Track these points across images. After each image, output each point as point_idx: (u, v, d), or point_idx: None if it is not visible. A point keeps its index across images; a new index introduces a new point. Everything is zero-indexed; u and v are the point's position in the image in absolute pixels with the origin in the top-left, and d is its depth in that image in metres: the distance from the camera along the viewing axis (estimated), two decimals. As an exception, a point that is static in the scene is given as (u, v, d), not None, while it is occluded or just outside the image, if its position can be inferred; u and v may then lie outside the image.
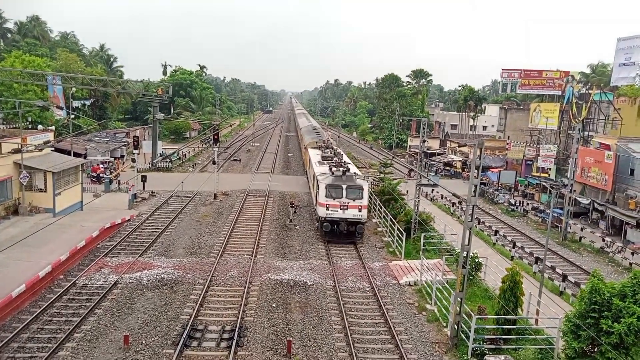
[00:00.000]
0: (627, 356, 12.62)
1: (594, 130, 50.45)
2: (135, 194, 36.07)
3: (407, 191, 38.35)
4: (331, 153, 38.33)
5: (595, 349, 13.22)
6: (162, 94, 53.92)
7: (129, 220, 30.36)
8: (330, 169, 29.60)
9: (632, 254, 29.17)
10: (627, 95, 49.94)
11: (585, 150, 40.47)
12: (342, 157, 36.71)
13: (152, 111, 54.19)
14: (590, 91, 54.10)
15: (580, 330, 13.32)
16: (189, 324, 16.90)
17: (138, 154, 44.55)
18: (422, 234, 26.22)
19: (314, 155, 38.17)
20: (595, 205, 36.64)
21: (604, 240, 32.23)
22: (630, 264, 27.41)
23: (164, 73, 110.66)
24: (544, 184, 42.37)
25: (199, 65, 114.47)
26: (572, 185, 34.15)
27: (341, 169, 29.53)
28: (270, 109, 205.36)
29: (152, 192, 38.59)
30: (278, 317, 18.16)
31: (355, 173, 30.04)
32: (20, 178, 28.38)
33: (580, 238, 32.95)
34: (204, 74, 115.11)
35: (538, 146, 50.32)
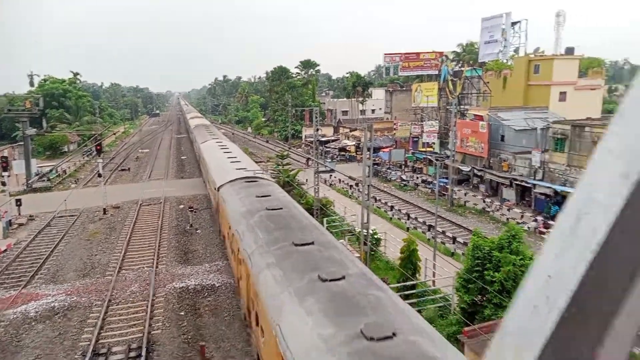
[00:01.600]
0: (509, 299, 14.16)
1: (469, 103, 55.19)
2: (10, 220, 32.33)
3: (307, 179, 38.96)
4: None
5: (484, 298, 14.65)
6: (31, 107, 48.78)
7: (5, 250, 27.13)
8: None
9: (508, 210, 32.70)
10: (494, 70, 55.43)
11: (462, 123, 44.23)
12: None
13: (22, 127, 48.63)
14: (462, 68, 59.00)
15: (469, 284, 14.65)
16: (90, 350, 15.67)
17: (8, 176, 39.99)
18: (324, 219, 26.88)
19: None
20: (475, 171, 40.37)
21: (484, 201, 35.68)
22: (507, 219, 30.65)
23: (31, 84, 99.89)
24: (429, 157, 45.67)
25: (72, 72, 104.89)
26: (454, 155, 37.26)
27: None
28: (157, 112, 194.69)
29: (31, 215, 34.82)
30: (188, 325, 17.55)
31: None
32: None
33: (465, 202, 36.11)
34: (78, 81, 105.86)
35: (422, 123, 53.98)
